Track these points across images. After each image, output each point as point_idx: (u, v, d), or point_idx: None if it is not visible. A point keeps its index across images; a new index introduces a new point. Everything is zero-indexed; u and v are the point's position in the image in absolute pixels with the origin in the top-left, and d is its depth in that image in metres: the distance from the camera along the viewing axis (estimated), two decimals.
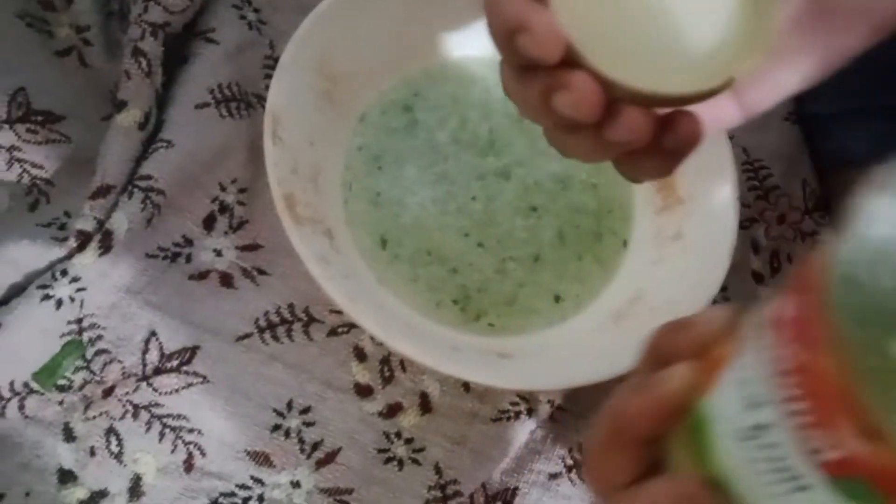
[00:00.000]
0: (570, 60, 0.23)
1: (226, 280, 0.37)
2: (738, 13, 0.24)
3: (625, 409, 0.21)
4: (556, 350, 0.37)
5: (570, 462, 0.37)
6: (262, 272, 0.38)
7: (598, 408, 0.38)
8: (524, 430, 0.37)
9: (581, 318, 0.39)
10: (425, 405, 0.37)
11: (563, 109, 0.23)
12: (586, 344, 0.37)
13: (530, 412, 0.37)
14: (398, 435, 0.36)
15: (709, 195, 0.39)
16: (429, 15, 0.41)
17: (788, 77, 0.28)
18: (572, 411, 0.38)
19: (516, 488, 0.36)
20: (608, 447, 0.22)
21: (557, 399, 0.38)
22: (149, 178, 0.36)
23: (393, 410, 0.36)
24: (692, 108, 0.25)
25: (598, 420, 0.22)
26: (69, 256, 0.34)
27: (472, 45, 0.42)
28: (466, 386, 0.37)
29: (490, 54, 0.42)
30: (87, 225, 0.35)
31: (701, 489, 0.19)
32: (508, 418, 0.37)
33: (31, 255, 0.34)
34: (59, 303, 0.34)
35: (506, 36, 0.23)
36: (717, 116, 0.28)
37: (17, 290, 0.33)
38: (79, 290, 0.34)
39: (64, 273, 0.34)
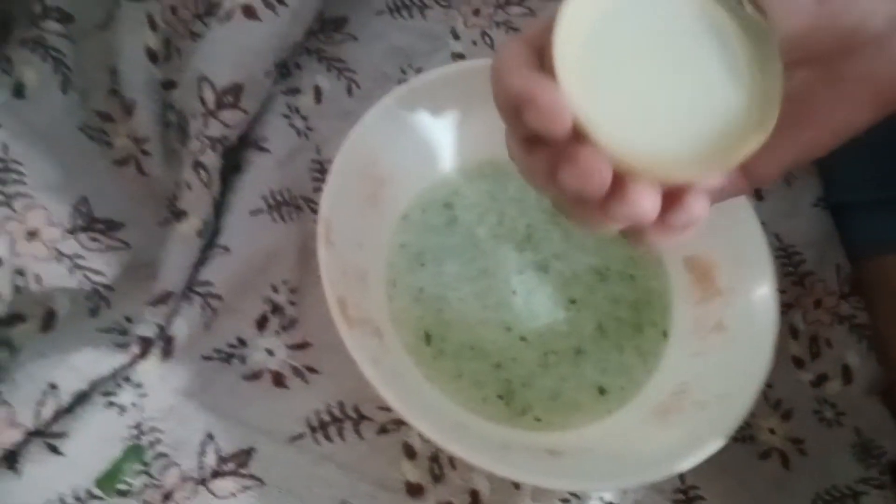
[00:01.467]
0: (577, 133, 0.23)
1: (278, 380, 0.38)
2: (743, 88, 0.25)
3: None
4: (604, 446, 0.37)
5: None
6: (312, 370, 0.39)
7: (649, 501, 0.38)
8: None
9: (626, 412, 0.39)
10: None
11: (569, 184, 0.23)
12: (634, 439, 0.37)
13: None
14: None
15: (748, 286, 0.39)
16: (465, 119, 0.43)
17: (792, 148, 0.27)
18: None
19: None
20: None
21: (608, 494, 0.38)
22: (207, 283, 0.37)
23: None
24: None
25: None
26: (132, 363, 0.36)
27: (503, 146, 0.44)
28: (516, 482, 0.38)
29: None
30: (148, 331, 0.36)
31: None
32: None
33: (94, 362, 0.35)
34: (123, 409, 0.35)
35: (511, 108, 0.23)
36: (725, 188, 0.27)
37: (82, 398, 0.34)
38: (141, 395, 0.35)
39: (127, 379, 0.35)
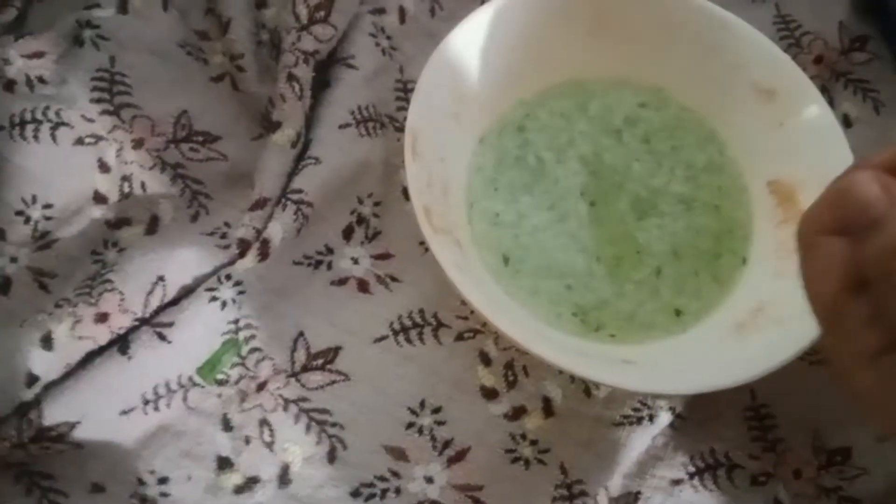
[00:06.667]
0: None
1: (363, 286, 0.40)
2: None
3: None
4: (678, 357, 0.38)
5: (692, 469, 0.38)
6: (394, 279, 0.41)
7: (719, 416, 0.39)
8: (646, 436, 0.38)
9: (702, 329, 0.39)
10: (548, 409, 0.38)
11: None
12: (709, 352, 0.37)
13: (651, 418, 0.38)
14: (524, 436, 0.38)
15: None
16: (546, 40, 0.43)
17: None
18: (693, 419, 0.39)
19: (639, 492, 0.37)
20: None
21: (678, 407, 0.39)
22: (300, 191, 0.39)
23: (518, 413, 0.38)
24: None
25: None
26: (232, 262, 0.38)
27: (585, 66, 0.44)
28: (588, 391, 0.39)
29: (602, 75, 0.44)
30: (247, 234, 0.38)
31: None
32: (630, 423, 0.38)
33: (198, 259, 0.38)
34: (224, 304, 0.37)
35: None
36: None
37: (187, 292, 0.37)
38: (240, 292, 0.38)
39: (228, 277, 0.37)
